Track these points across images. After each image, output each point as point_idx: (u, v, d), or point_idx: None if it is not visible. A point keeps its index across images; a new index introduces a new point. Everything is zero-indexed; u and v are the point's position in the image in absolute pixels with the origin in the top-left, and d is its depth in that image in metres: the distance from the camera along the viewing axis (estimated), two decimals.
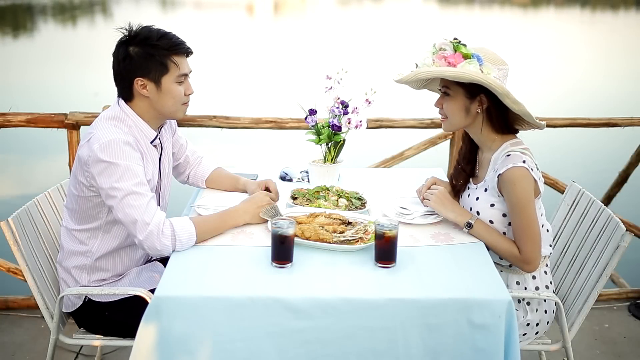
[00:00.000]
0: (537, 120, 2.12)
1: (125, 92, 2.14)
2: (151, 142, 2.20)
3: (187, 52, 2.16)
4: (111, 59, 2.14)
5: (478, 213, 2.16)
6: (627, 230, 2.11)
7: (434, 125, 3.54)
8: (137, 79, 2.10)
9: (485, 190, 2.17)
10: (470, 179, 2.29)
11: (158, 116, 2.18)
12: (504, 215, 2.13)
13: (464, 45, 2.10)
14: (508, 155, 2.08)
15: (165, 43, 2.10)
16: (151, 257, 2.36)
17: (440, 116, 2.22)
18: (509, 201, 2.08)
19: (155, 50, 2.09)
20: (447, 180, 2.47)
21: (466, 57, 2.06)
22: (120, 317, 2.12)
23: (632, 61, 15.14)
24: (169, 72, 2.11)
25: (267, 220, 2.15)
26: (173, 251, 2.01)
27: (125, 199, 1.98)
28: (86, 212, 2.12)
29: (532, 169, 2.06)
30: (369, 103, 2.49)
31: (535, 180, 2.06)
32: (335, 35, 20.25)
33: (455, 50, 2.07)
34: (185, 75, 2.16)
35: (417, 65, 2.14)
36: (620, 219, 2.23)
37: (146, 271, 2.22)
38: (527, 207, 2.04)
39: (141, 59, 2.08)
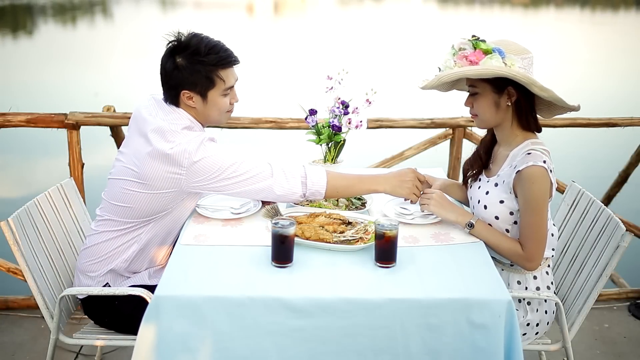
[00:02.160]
0: (569, 104, 2.08)
1: (173, 100, 2.18)
2: None
3: (235, 63, 2.18)
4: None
5: (485, 207, 2.15)
6: (627, 230, 2.11)
7: (434, 125, 3.54)
8: (184, 91, 2.13)
9: (496, 185, 2.15)
10: (483, 171, 2.29)
11: (203, 123, 2.23)
12: (511, 213, 2.12)
13: (483, 41, 2.07)
14: (529, 153, 2.06)
15: (212, 58, 2.11)
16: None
17: (470, 115, 2.20)
18: (523, 198, 2.06)
19: (202, 66, 2.10)
20: (440, 177, 2.47)
21: (487, 52, 2.03)
22: (129, 309, 2.11)
23: (632, 61, 15.12)
24: (216, 87, 2.15)
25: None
26: (304, 195, 2.14)
27: (236, 175, 2.08)
28: (160, 206, 2.14)
29: (551, 170, 2.05)
30: (370, 103, 2.49)
31: (552, 182, 2.06)
32: (335, 36, 20.23)
33: (475, 48, 2.05)
34: (232, 87, 2.19)
35: (439, 69, 2.13)
36: (620, 219, 2.23)
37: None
38: (541, 207, 2.04)
39: (187, 73, 2.11)
